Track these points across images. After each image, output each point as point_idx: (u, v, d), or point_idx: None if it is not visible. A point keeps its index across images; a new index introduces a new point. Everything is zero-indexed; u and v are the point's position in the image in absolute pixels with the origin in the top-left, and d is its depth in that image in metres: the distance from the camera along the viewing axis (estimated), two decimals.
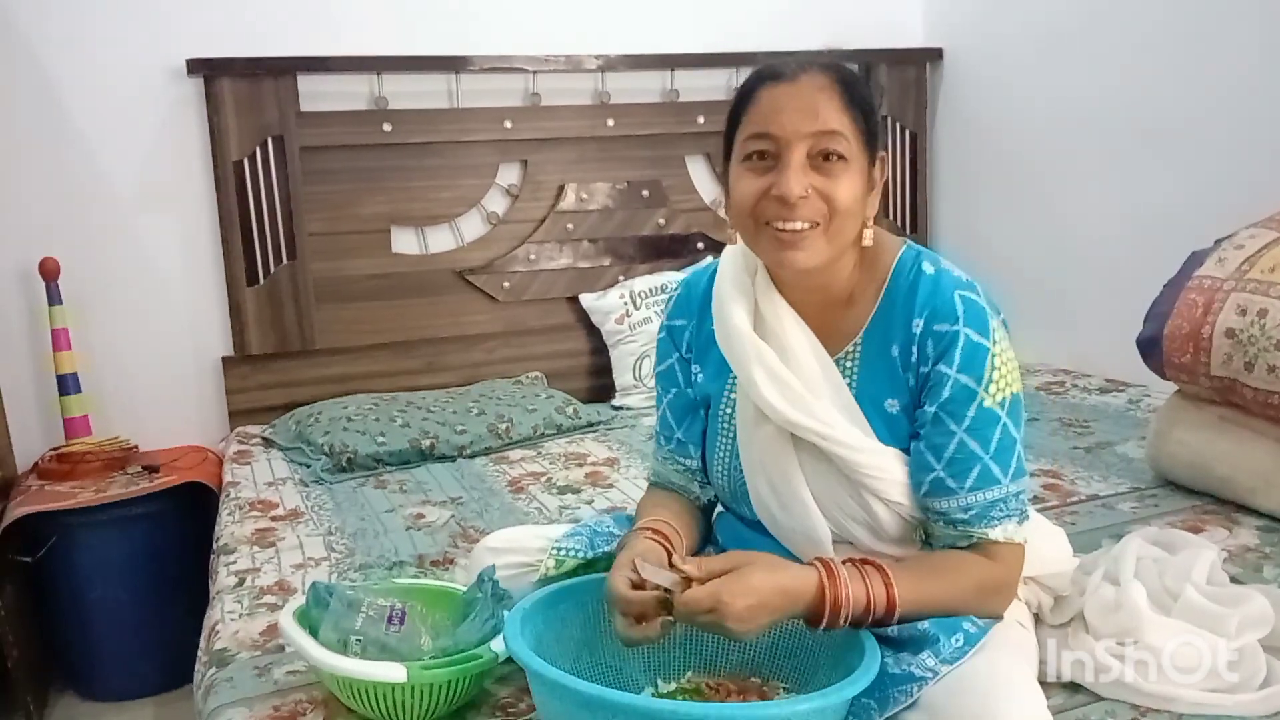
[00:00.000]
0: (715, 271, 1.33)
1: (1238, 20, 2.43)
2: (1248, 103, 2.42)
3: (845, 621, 1.10)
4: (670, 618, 1.10)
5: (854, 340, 1.24)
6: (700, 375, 1.36)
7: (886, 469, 1.19)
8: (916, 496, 1.20)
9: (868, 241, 1.22)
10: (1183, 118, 2.57)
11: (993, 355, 1.16)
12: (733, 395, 1.30)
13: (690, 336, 1.36)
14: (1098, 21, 2.79)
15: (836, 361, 1.24)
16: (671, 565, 1.13)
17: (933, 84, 3.36)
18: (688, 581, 1.09)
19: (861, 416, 1.21)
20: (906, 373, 1.20)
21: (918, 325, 1.18)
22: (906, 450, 1.21)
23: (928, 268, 1.21)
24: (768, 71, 1.19)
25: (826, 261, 1.19)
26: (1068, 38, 2.88)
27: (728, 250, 1.33)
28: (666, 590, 1.09)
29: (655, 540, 1.24)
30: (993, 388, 1.15)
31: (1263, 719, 1.17)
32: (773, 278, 1.27)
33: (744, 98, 1.20)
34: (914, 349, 1.19)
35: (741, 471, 1.29)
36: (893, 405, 1.21)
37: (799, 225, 1.15)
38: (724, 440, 1.32)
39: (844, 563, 1.14)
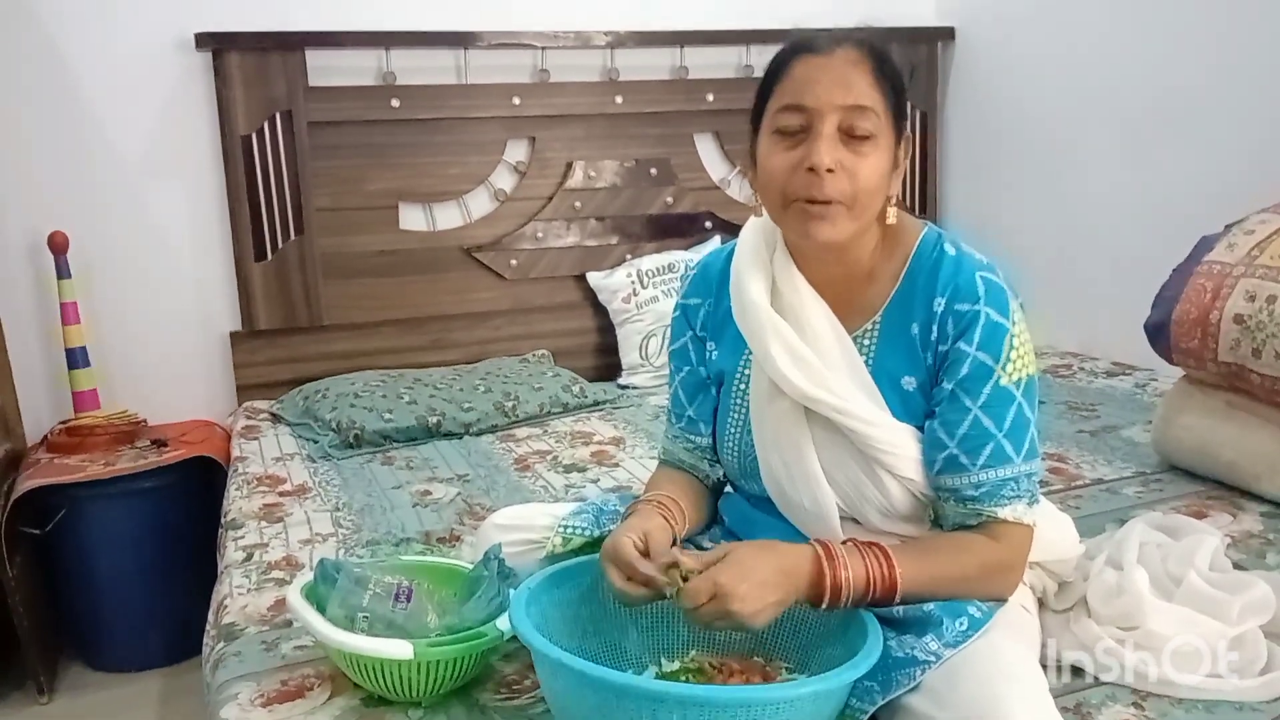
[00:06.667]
0: (733, 250, 1.33)
1: (1253, 3, 2.41)
2: (1261, 87, 2.40)
3: (847, 601, 1.11)
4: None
5: (873, 318, 1.25)
6: (715, 352, 1.36)
7: (900, 444, 1.20)
8: (929, 475, 1.21)
9: (891, 219, 1.22)
10: (1196, 101, 2.56)
11: (1011, 335, 1.17)
12: (747, 371, 1.31)
13: (706, 315, 1.37)
14: (1112, 2, 2.76)
15: (854, 338, 1.24)
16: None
17: (944, 63, 3.33)
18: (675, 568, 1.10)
19: (877, 392, 1.22)
20: (925, 351, 1.21)
21: (939, 304, 1.19)
22: (921, 428, 1.22)
23: (949, 249, 1.22)
24: (801, 44, 1.19)
25: (851, 235, 1.19)
26: (1081, 18, 2.86)
27: (747, 227, 1.33)
28: (672, 585, 1.09)
29: (662, 516, 1.25)
30: (1010, 367, 1.16)
31: (1263, 704, 1.18)
32: (792, 254, 1.28)
33: (776, 69, 1.20)
34: (934, 327, 1.19)
35: (753, 447, 1.30)
36: (909, 383, 1.22)
37: (826, 202, 1.16)
38: (736, 416, 1.33)
39: (844, 543, 1.15)
